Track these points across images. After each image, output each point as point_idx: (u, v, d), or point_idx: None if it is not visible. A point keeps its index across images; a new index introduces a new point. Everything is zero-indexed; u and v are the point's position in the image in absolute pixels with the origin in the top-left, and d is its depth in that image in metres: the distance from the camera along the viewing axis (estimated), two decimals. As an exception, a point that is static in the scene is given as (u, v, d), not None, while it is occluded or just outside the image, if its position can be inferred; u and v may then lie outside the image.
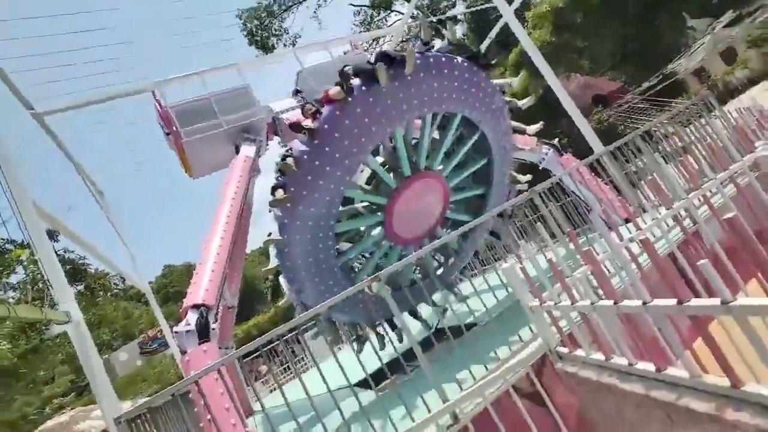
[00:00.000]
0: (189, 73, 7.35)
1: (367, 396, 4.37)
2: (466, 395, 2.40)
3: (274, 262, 5.05)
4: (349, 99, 4.26)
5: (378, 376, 3.83)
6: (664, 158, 6.16)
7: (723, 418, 1.31)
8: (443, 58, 4.60)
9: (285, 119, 7.07)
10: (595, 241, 4.97)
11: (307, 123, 4.35)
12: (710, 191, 3.38)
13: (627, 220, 5.81)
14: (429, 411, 2.36)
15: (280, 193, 4.43)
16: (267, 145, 7.54)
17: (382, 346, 5.09)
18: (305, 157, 4.38)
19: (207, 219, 5.78)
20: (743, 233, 1.48)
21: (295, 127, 4.67)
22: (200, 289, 4.77)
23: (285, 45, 20.12)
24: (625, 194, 5.00)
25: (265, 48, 20.24)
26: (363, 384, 4.52)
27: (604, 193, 6.66)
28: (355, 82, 4.30)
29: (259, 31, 20.38)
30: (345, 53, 9.50)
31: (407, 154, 5.02)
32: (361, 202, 5.32)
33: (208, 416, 3.41)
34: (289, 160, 4.40)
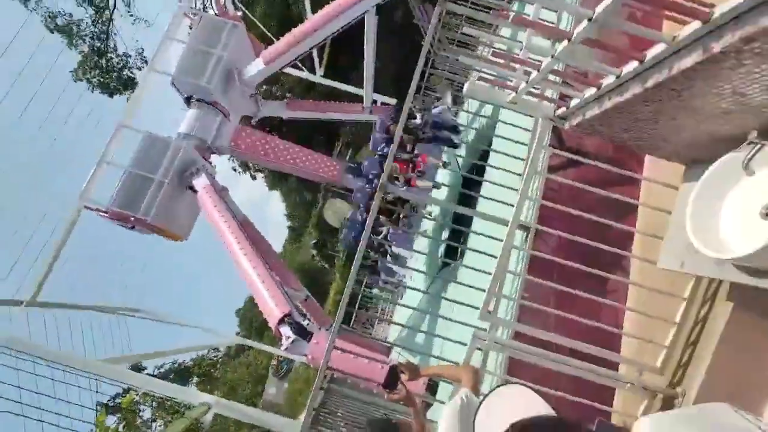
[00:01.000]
0: (94, 168, 6.91)
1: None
2: (518, 206, 2.56)
3: None
4: None
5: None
6: None
7: (711, 55, 1.35)
8: None
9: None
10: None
11: None
12: None
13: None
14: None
15: None
16: (211, 163, 7.31)
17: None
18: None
19: (225, 258, 5.89)
20: None
21: None
22: (271, 307, 5.05)
23: (139, 68, 18.28)
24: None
25: (127, 85, 18.51)
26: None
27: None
28: None
29: (108, 75, 18.48)
30: (190, 27, 8.52)
31: None
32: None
33: (361, 377, 3.85)
34: None
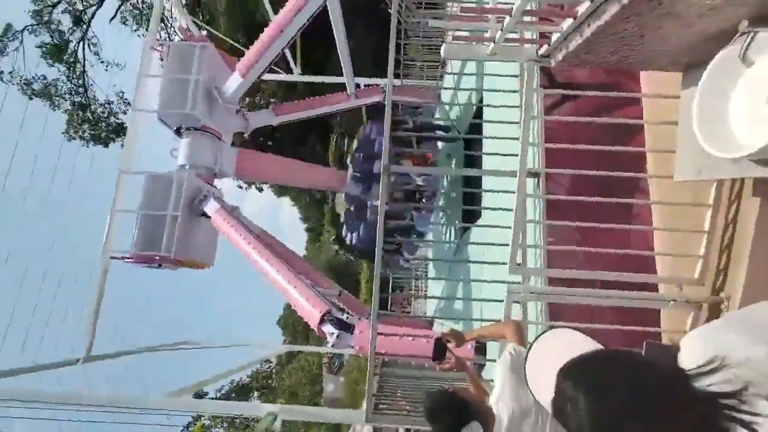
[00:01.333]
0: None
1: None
2: (522, 154, 2.54)
3: None
4: None
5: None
6: None
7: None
8: None
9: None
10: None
11: None
12: None
13: None
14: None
15: None
16: (216, 187, 7.41)
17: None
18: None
19: (254, 274, 6.03)
20: None
21: None
22: (309, 310, 5.17)
23: (124, 112, 18.43)
24: None
25: (117, 131, 18.73)
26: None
27: None
28: None
29: (98, 126, 18.71)
30: (161, 60, 8.53)
31: None
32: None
33: (409, 355, 3.94)
34: None
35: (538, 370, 0.97)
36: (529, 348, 1.04)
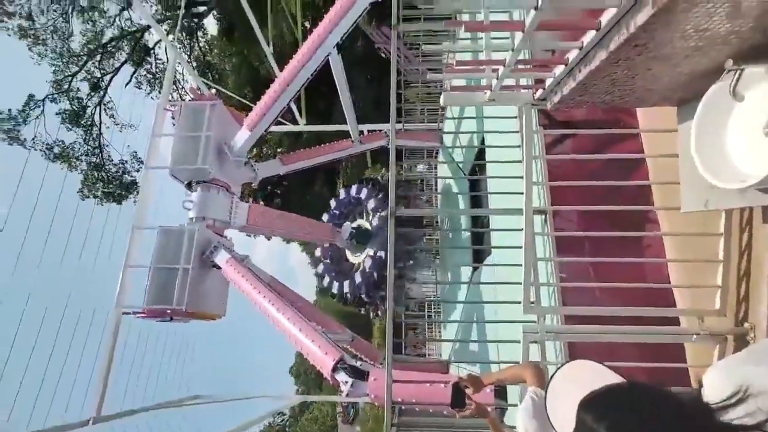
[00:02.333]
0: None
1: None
2: (527, 193, 2.58)
3: None
4: None
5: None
6: None
7: (662, 5, 1.39)
8: None
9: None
10: None
11: None
12: None
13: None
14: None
15: None
16: (226, 237, 7.50)
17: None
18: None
19: (264, 323, 5.97)
20: None
21: None
22: (321, 358, 5.05)
23: (137, 170, 19.06)
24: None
25: (130, 188, 19.30)
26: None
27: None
28: None
29: (110, 185, 19.30)
30: (173, 119, 8.94)
31: None
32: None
33: (427, 403, 3.80)
34: None
35: (558, 403, 0.95)
36: (550, 380, 1.02)
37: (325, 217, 10.50)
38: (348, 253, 10.34)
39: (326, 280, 10.41)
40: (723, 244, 2.43)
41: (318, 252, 10.98)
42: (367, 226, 9.72)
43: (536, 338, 2.59)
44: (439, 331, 14.05)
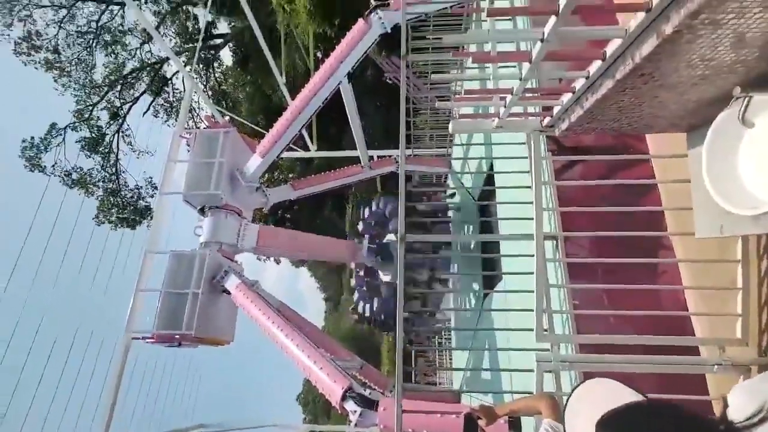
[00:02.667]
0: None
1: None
2: (537, 219, 2.57)
3: None
4: None
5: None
6: None
7: (666, 37, 1.42)
8: None
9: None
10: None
11: None
12: None
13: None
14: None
15: None
16: (236, 262, 7.54)
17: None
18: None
19: (272, 349, 5.91)
20: None
21: None
22: (330, 386, 4.96)
23: (151, 196, 19.45)
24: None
25: (143, 214, 19.64)
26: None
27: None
28: None
29: (126, 210, 19.67)
30: (188, 146, 9.19)
31: None
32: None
33: (438, 434, 3.68)
34: None
35: (576, 421, 0.92)
36: (568, 398, 1.00)
37: (354, 239, 10.09)
38: (380, 272, 9.91)
39: (360, 305, 10.00)
40: (741, 270, 2.38)
41: (353, 282, 10.61)
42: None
43: (550, 367, 2.53)
44: (450, 359, 13.73)
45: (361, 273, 10.13)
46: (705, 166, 1.94)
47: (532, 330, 2.54)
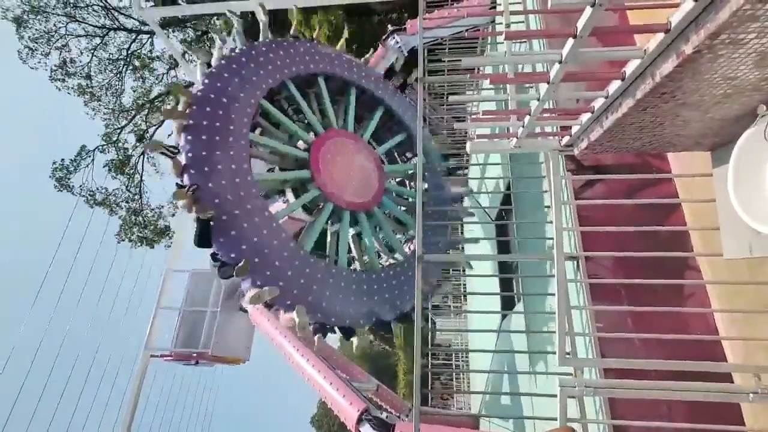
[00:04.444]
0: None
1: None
2: (557, 239, 2.54)
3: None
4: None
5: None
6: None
7: (686, 57, 1.42)
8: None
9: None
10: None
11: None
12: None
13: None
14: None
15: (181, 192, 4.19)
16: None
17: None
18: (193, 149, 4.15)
19: (286, 369, 5.86)
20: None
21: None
22: (345, 408, 4.87)
23: (172, 215, 19.93)
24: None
25: (163, 233, 20.08)
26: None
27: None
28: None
29: (146, 229, 20.15)
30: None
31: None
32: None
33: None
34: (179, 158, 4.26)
35: None
36: None
37: None
38: None
39: None
40: (774, 292, 2.28)
41: None
42: None
43: (574, 393, 2.44)
44: (468, 382, 13.39)
45: None
46: (731, 185, 1.90)
47: (554, 353, 2.47)
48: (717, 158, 2.25)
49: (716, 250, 2.28)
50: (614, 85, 1.84)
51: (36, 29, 19.18)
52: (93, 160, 19.22)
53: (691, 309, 2.58)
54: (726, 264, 2.32)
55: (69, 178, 18.91)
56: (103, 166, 19.26)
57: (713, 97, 1.71)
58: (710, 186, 2.31)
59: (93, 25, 20.12)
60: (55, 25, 19.46)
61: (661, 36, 1.50)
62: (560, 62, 1.61)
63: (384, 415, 4.77)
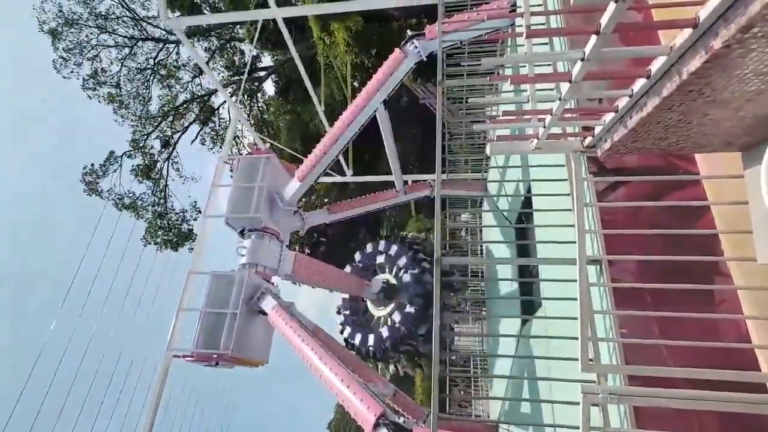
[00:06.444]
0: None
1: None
2: (580, 243, 2.49)
3: None
4: None
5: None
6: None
7: (715, 52, 1.38)
8: None
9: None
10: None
11: None
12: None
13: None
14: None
15: None
16: (273, 284, 7.69)
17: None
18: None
19: (304, 372, 5.90)
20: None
21: None
22: (363, 412, 4.87)
23: (195, 219, 20.41)
24: None
25: (186, 237, 20.56)
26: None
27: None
28: None
29: (171, 232, 20.67)
30: (231, 172, 9.66)
31: None
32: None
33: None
34: None
35: None
36: None
37: (347, 268, 10.68)
38: (370, 305, 10.36)
39: (347, 331, 10.41)
40: (811, 299, 2.18)
41: (339, 302, 11.11)
42: (393, 281, 9.90)
43: (597, 400, 2.37)
44: (486, 389, 13.18)
45: (348, 312, 10.54)
46: (765, 186, 1.82)
47: (576, 359, 2.41)
48: (749, 159, 2.16)
49: (748, 254, 2.19)
50: (639, 84, 1.80)
51: (70, 41, 20.08)
52: (121, 165, 19.92)
53: (721, 315, 2.48)
54: (759, 269, 2.22)
55: (98, 183, 19.63)
56: (130, 171, 19.96)
57: (744, 94, 1.65)
58: (741, 189, 2.23)
59: (122, 35, 20.93)
60: (87, 36, 20.32)
61: (688, 32, 1.47)
62: (583, 60, 1.58)
63: (401, 420, 4.74)
